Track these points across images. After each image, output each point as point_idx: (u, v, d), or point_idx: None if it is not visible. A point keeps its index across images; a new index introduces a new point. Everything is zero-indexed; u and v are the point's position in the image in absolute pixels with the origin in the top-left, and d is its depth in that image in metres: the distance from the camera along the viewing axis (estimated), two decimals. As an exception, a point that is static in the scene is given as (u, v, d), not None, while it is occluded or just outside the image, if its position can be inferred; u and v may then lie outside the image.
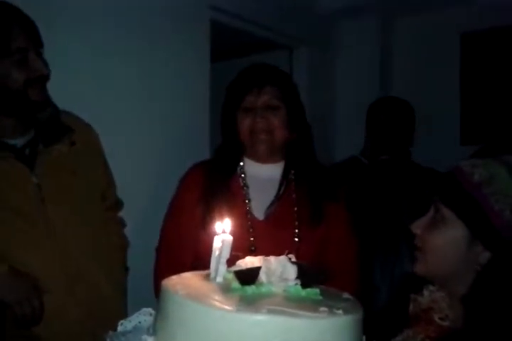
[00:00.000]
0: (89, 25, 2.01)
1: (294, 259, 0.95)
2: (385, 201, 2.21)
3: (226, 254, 0.92)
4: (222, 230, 0.95)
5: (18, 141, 1.48)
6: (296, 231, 1.56)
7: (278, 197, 1.60)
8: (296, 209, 1.59)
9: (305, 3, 3.20)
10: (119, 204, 1.75)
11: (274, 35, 3.12)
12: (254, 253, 1.05)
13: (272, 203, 1.59)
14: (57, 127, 1.53)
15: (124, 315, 1.01)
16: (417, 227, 1.06)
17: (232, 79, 1.66)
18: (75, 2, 1.99)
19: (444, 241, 1.01)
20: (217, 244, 0.94)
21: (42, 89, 1.45)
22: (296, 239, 1.55)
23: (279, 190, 1.61)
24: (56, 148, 1.51)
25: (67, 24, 1.91)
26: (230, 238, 0.93)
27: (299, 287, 0.90)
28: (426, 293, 1.06)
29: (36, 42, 1.43)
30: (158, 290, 1.54)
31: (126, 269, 1.73)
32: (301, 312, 0.80)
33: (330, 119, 3.43)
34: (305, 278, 0.91)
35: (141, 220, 1.86)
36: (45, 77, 1.45)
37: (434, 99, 3.29)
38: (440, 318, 1.02)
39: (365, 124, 2.48)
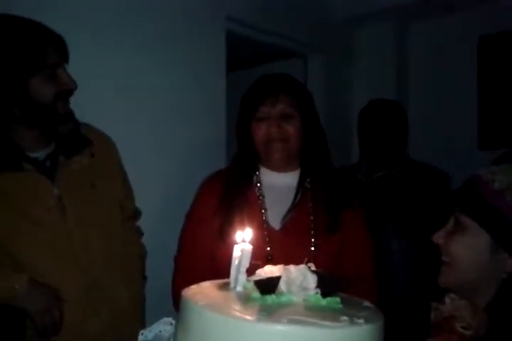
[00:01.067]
0: (105, 39, 2.04)
1: (313, 268, 0.95)
2: (380, 221, 2.18)
3: (246, 263, 0.92)
4: (242, 239, 0.95)
5: (40, 154, 1.50)
6: (313, 240, 1.54)
7: (294, 206, 1.59)
8: (312, 218, 1.58)
9: (319, 11, 3.20)
10: (137, 214, 1.76)
11: (289, 44, 3.13)
12: (270, 263, 1.04)
13: (288, 212, 1.59)
14: (77, 139, 1.56)
15: (142, 325, 1.02)
16: (439, 238, 1.05)
17: (247, 88, 1.66)
18: (93, 16, 2.02)
19: (467, 250, 1.00)
20: (236, 253, 0.94)
21: (66, 102, 1.50)
22: (313, 248, 1.53)
23: (295, 198, 1.61)
24: (76, 160, 1.53)
25: (81, 36, 1.92)
26: (250, 247, 0.93)
27: (319, 296, 0.90)
28: (447, 301, 1.05)
29: (65, 59, 1.49)
30: (176, 299, 1.56)
31: (145, 278, 1.73)
32: (321, 322, 0.79)
33: (346, 126, 3.40)
34: (325, 286, 0.90)
35: (158, 229, 1.87)
36: (72, 92, 1.50)
37: (451, 104, 3.25)
38: (462, 327, 1.00)
39: (357, 133, 2.43)
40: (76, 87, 1.50)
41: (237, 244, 0.94)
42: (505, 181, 0.97)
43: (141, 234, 1.77)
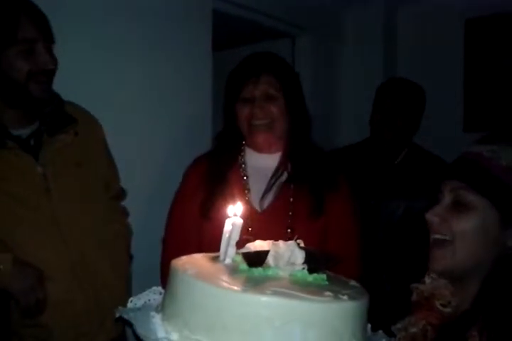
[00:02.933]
0: (88, 16, 1.98)
1: (302, 245, 0.97)
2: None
3: (236, 237, 0.94)
4: (234, 213, 0.97)
5: (23, 132, 1.48)
6: (289, 221, 1.54)
7: (270, 187, 1.58)
8: (291, 200, 1.57)
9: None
10: (122, 194, 1.76)
11: (277, 24, 3.08)
12: (250, 241, 1.04)
13: (265, 193, 1.58)
14: (61, 118, 1.53)
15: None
16: (435, 215, 1.01)
17: (233, 68, 1.65)
18: None
19: (476, 227, 0.97)
20: (227, 226, 0.95)
21: (46, 85, 1.43)
22: (289, 231, 1.52)
23: (271, 179, 1.60)
24: (60, 138, 1.51)
25: (66, 18, 1.84)
26: (241, 221, 0.94)
27: (305, 272, 0.91)
28: (427, 280, 1.05)
29: (46, 36, 1.41)
30: (164, 279, 1.56)
31: (130, 257, 1.73)
32: (305, 296, 0.81)
33: (334, 108, 3.39)
34: (312, 263, 0.92)
35: (146, 212, 1.85)
36: (50, 72, 1.43)
37: (438, 86, 3.17)
38: (442, 305, 1.01)
39: (371, 108, 2.34)
40: (55, 67, 1.43)
41: (221, 221, 0.95)
42: (510, 158, 0.96)
43: (127, 214, 1.76)
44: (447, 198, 1.01)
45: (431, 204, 1.03)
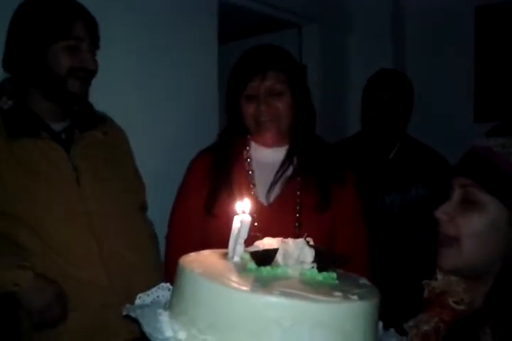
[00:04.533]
0: (99, 14, 1.98)
1: (312, 243, 0.95)
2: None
3: (244, 234, 0.92)
4: (242, 210, 0.95)
5: (56, 126, 1.52)
6: (297, 215, 1.53)
7: (276, 181, 1.57)
8: (299, 193, 1.56)
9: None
10: (146, 206, 1.78)
11: (283, 14, 3.05)
12: (258, 238, 1.04)
13: (271, 187, 1.57)
14: (91, 117, 1.59)
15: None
16: (444, 213, 0.99)
17: (238, 59, 1.62)
18: None
19: (485, 226, 0.94)
20: (236, 224, 0.94)
21: (83, 83, 1.50)
22: (297, 224, 1.52)
23: (277, 173, 1.58)
24: (91, 134, 1.56)
25: None
26: (249, 218, 0.93)
27: (315, 270, 0.90)
28: (439, 277, 1.03)
29: (93, 39, 1.50)
30: (168, 277, 1.55)
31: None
32: (314, 296, 0.79)
33: (342, 98, 3.34)
34: (322, 261, 0.90)
35: (150, 206, 1.82)
36: (90, 72, 1.50)
37: (447, 75, 3.20)
38: (455, 302, 0.99)
39: (361, 102, 2.30)
40: (95, 70, 1.50)
41: (226, 216, 0.94)
42: None
43: (152, 224, 1.77)
44: (456, 195, 0.98)
45: (442, 200, 1.01)
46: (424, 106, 2.47)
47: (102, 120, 1.62)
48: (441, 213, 0.99)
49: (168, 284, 1.04)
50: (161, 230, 1.71)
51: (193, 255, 0.97)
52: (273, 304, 0.78)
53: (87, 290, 1.46)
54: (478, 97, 3.22)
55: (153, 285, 1.38)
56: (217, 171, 1.59)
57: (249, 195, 1.54)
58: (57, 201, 1.46)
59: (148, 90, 2.19)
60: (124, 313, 0.93)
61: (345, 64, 3.41)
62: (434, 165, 2.19)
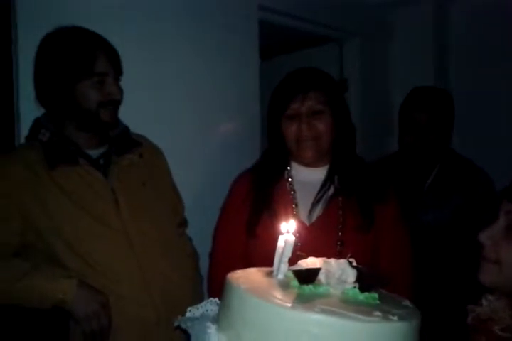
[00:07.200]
0: (141, 28, 2.07)
1: (354, 263, 0.98)
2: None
3: (288, 253, 0.97)
4: (286, 230, 1.00)
5: (93, 153, 1.60)
6: (340, 235, 1.55)
7: (317, 201, 1.60)
8: (341, 213, 1.58)
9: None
10: (186, 222, 1.83)
11: (323, 30, 3.08)
12: (303, 257, 1.06)
13: (313, 206, 1.59)
14: (128, 140, 1.66)
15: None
16: (488, 238, 1.00)
17: (278, 82, 1.66)
18: (127, 6, 2.04)
19: None
20: (280, 243, 0.99)
21: (113, 111, 1.58)
22: (339, 243, 1.54)
23: (319, 193, 1.61)
24: (127, 158, 1.63)
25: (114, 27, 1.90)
26: (293, 238, 0.97)
27: (357, 290, 0.93)
28: (485, 303, 1.02)
29: (116, 69, 1.56)
30: (211, 294, 1.62)
31: (201, 278, 1.77)
32: (354, 315, 0.82)
33: (385, 113, 3.30)
34: (364, 282, 0.93)
35: (194, 224, 1.87)
36: (117, 102, 1.57)
37: (496, 89, 3.03)
38: (500, 329, 0.98)
39: (398, 123, 2.17)
40: (121, 99, 1.57)
41: (268, 237, 0.98)
42: None
43: (191, 239, 1.82)
44: (501, 221, 0.99)
45: (488, 222, 1.01)
46: (471, 124, 2.35)
47: (138, 143, 1.67)
48: (484, 237, 1.00)
49: (216, 299, 1.10)
50: (203, 245, 1.76)
51: (239, 272, 1.02)
52: (313, 321, 0.81)
53: (127, 306, 1.51)
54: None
55: (192, 303, 1.42)
56: (258, 192, 1.63)
57: (292, 215, 1.57)
58: (98, 223, 1.52)
59: (192, 108, 2.26)
60: (176, 324, 0.99)
61: (385, 79, 3.40)
62: (472, 178, 2.09)
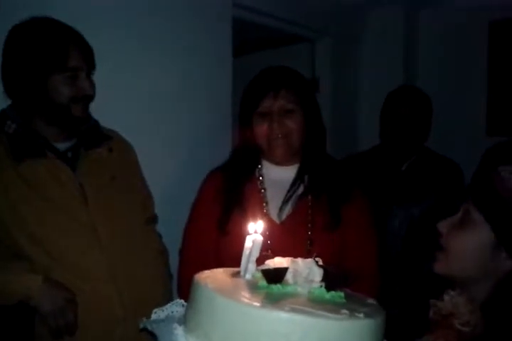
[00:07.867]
0: (107, 21, 2.02)
1: (321, 263, 0.99)
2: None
3: (256, 253, 0.97)
4: (254, 230, 1.00)
5: (61, 146, 1.56)
6: (309, 233, 1.56)
7: (287, 199, 1.61)
8: (310, 211, 1.60)
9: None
10: (156, 218, 1.81)
11: (296, 29, 3.12)
12: (270, 257, 1.07)
13: (283, 205, 1.61)
14: (97, 135, 1.63)
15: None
16: (444, 227, 1.07)
17: (250, 80, 1.66)
18: (95, 9, 1.99)
19: (469, 245, 1.02)
20: (248, 243, 0.99)
21: (85, 106, 1.55)
22: (309, 242, 1.55)
23: (288, 191, 1.62)
24: (96, 152, 1.60)
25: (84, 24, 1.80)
26: (261, 238, 0.98)
27: (323, 289, 0.94)
28: (446, 298, 1.06)
29: (89, 64, 1.54)
30: (182, 291, 1.60)
31: (170, 275, 1.76)
32: (322, 313, 0.84)
33: (354, 111, 3.39)
34: (330, 281, 0.94)
35: (164, 221, 1.85)
36: (90, 97, 1.55)
37: (460, 89, 3.20)
38: (461, 324, 1.02)
39: (380, 116, 2.34)
40: (94, 94, 1.55)
41: (239, 235, 0.98)
42: None
43: (161, 236, 1.80)
44: (460, 212, 1.05)
45: (450, 213, 1.07)
46: (436, 119, 2.50)
47: (107, 137, 1.65)
48: (441, 226, 1.07)
49: (182, 300, 1.09)
50: (174, 242, 1.74)
51: (207, 272, 1.01)
52: (282, 319, 0.82)
53: (94, 302, 1.48)
54: (491, 111, 3.23)
55: (161, 300, 1.45)
56: (229, 190, 1.63)
57: (262, 213, 1.58)
58: (64, 217, 1.49)
59: (161, 104, 2.23)
60: (141, 326, 0.98)
61: (357, 77, 3.47)
62: (448, 175, 2.25)
